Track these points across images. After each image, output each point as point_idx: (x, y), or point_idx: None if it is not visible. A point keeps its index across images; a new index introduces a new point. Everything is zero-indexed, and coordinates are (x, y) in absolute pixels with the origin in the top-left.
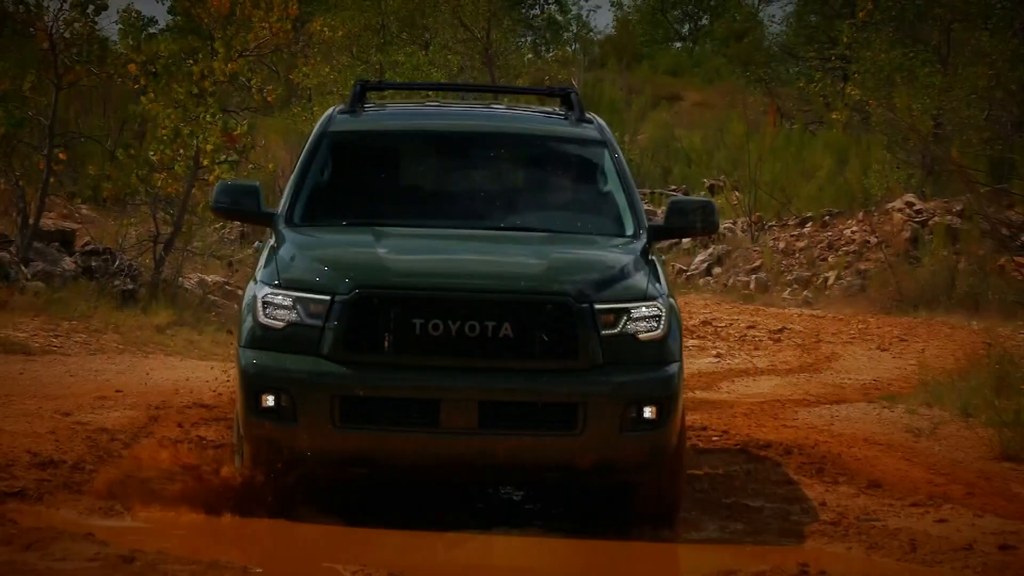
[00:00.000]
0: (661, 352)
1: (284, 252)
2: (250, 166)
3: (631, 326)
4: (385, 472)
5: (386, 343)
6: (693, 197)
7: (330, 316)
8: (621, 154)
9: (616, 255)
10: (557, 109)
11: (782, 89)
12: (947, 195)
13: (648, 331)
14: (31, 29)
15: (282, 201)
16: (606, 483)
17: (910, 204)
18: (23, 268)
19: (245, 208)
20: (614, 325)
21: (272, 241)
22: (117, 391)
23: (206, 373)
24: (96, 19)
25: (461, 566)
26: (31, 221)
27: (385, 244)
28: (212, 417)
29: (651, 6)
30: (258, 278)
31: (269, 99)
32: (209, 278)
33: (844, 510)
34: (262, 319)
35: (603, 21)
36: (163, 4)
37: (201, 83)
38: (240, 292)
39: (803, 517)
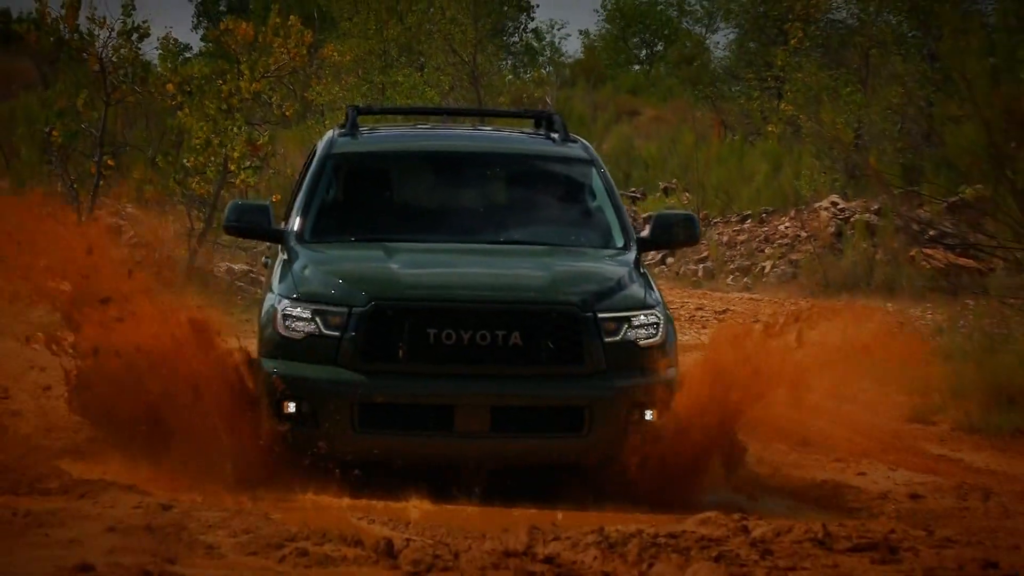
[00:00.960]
0: (660, 357)
1: (299, 267)
2: (271, 171)
3: (631, 333)
4: (401, 470)
5: (401, 352)
6: (677, 211)
7: (347, 327)
8: (607, 171)
9: (613, 267)
10: (541, 131)
11: (726, 105)
12: (866, 196)
13: (648, 338)
14: (84, 54)
15: (291, 218)
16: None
17: (835, 203)
18: None
19: (256, 226)
20: (616, 332)
21: (283, 256)
22: None
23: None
24: (139, 46)
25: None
26: (83, 219)
27: (396, 259)
28: None
29: (613, 34)
30: (275, 291)
31: (287, 114)
32: (236, 266)
33: (779, 465)
34: (281, 330)
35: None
36: (197, 32)
37: (229, 100)
38: (262, 279)
39: (743, 471)
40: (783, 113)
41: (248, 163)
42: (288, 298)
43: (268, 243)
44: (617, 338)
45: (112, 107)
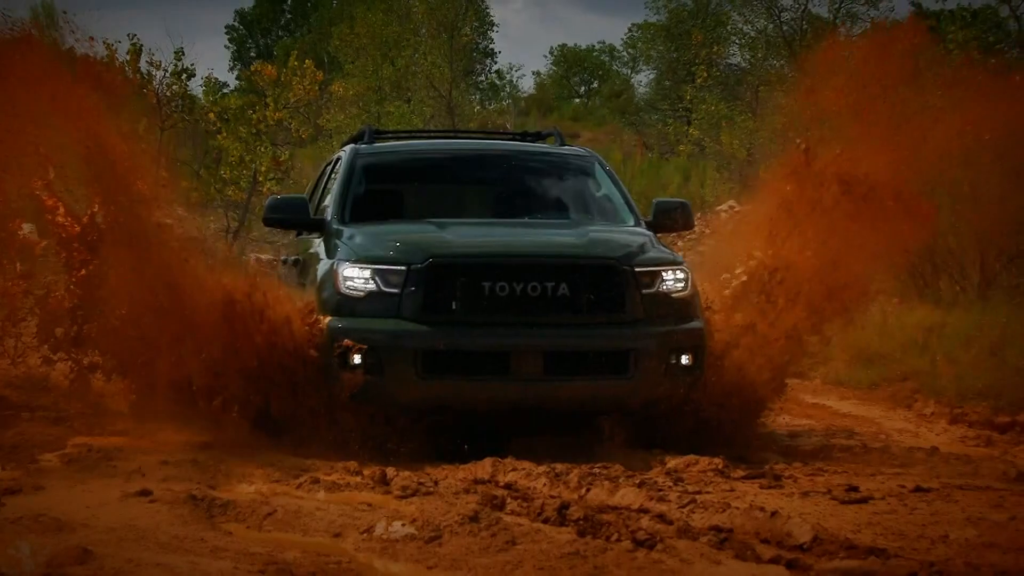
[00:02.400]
0: (689, 308)
1: (351, 238)
2: (291, 181)
3: (664, 286)
4: (460, 416)
5: (459, 304)
6: (673, 199)
7: (407, 283)
8: (610, 167)
9: (636, 236)
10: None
11: (646, 130)
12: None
13: (679, 291)
14: (144, 90)
15: (329, 210)
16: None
17: (732, 207)
18: None
19: (296, 218)
20: (651, 285)
21: (320, 242)
22: None
23: None
24: (187, 83)
25: None
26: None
27: (444, 229)
28: None
29: (559, 74)
30: (332, 257)
31: (303, 136)
32: (263, 256)
33: None
34: (343, 289)
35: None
36: (232, 72)
37: (258, 126)
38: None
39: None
40: (691, 136)
41: (272, 175)
42: (348, 261)
43: (302, 233)
44: (652, 290)
45: (166, 132)
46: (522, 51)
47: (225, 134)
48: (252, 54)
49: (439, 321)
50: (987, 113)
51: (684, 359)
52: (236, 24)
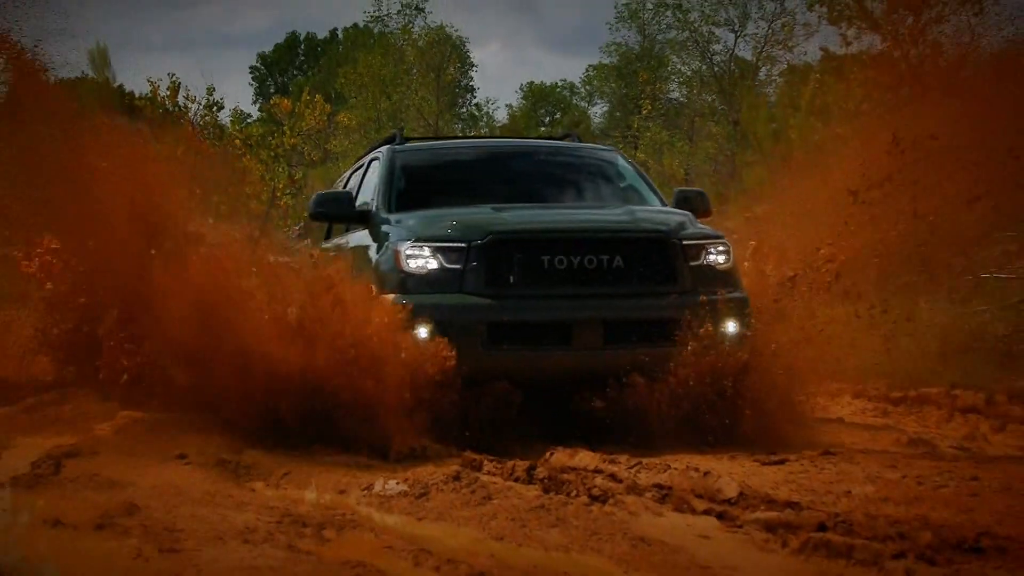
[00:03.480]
0: (733, 279)
1: (402, 223)
2: (303, 196)
3: (710, 258)
4: (523, 385)
5: (520, 278)
6: (692, 188)
7: (468, 259)
8: (632, 161)
9: (677, 214)
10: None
11: None
12: None
13: (722, 263)
14: (181, 120)
15: (373, 203)
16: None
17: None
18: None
19: (342, 210)
20: (698, 257)
21: (365, 231)
22: None
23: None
24: (217, 114)
25: None
26: (183, 227)
27: (496, 210)
28: None
29: (528, 107)
30: (390, 239)
31: (314, 159)
32: (283, 259)
33: None
34: (405, 268)
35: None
36: (255, 105)
37: (276, 150)
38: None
39: None
40: (638, 159)
41: (288, 191)
42: (408, 241)
43: (330, 233)
44: (699, 262)
45: (198, 155)
46: (497, 87)
47: (248, 157)
48: (271, 90)
49: (501, 295)
50: (884, 137)
51: (732, 326)
52: (258, 65)
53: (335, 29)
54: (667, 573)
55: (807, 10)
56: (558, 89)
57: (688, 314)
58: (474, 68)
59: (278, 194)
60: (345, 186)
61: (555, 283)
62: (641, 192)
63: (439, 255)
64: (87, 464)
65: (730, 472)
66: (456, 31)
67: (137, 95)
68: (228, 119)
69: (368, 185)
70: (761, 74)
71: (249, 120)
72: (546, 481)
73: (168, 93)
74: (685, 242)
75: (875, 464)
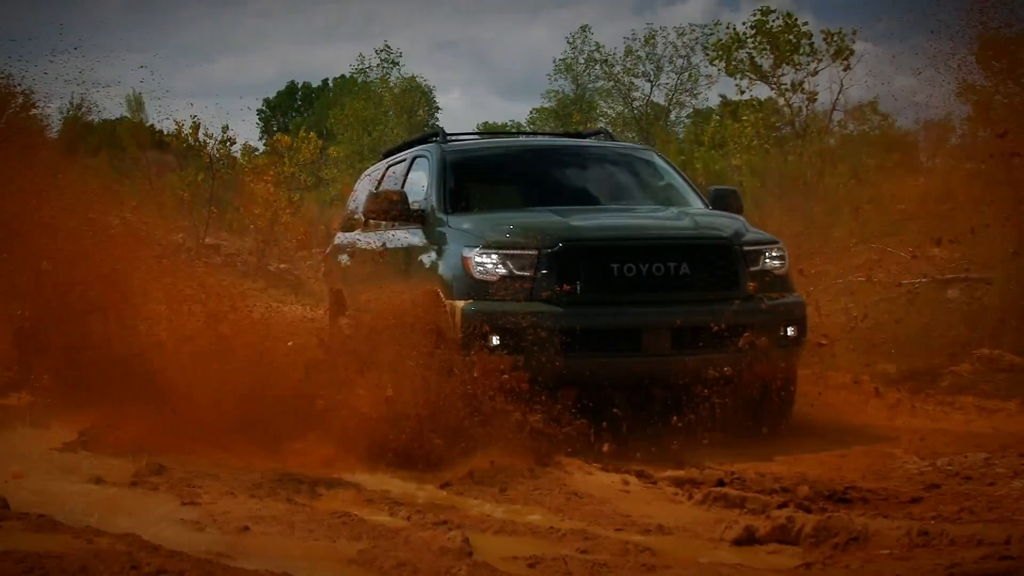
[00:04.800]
0: (788, 283)
1: (465, 227)
2: (300, 215)
3: (768, 263)
4: (592, 390)
5: (590, 285)
6: (726, 186)
7: (539, 267)
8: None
9: (732, 219)
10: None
11: None
12: None
13: (779, 268)
14: (200, 153)
15: (427, 202)
16: (759, 388)
17: None
18: (198, 260)
19: (396, 209)
20: (757, 262)
21: (420, 232)
22: None
23: (291, 310)
24: (230, 148)
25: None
26: (201, 239)
27: (561, 214)
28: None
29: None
30: (462, 245)
31: (308, 184)
32: (283, 265)
33: None
34: (475, 274)
35: None
36: (262, 140)
37: (277, 177)
38: (294, 273)
39: None
40: None
41: (287, 211)
42: (476, 248)
43: (400, 222)
44: (759, 267)
45: (215, 181)
46: (458, 126)
47: (255, 183)
48: (274, 128)
49: (572, 302)
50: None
51: (790, 331)
52: (264, 108)
53: (327, 79)
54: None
55: (709, 64)
56: (508, 128)
57: (752, 320)
58: (439, 111)
59: (280, 213)
60: (380, 182)
61: (624, 290)
62: (681, 191)
63: (509, 262)
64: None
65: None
66: (424, 81)
67: (166, 133)
68: (239, 152)
69: (414, 184)
70: (672, 116)
71: (256, 152)
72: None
73: (190, 131)
74: (746, 248)
75: None
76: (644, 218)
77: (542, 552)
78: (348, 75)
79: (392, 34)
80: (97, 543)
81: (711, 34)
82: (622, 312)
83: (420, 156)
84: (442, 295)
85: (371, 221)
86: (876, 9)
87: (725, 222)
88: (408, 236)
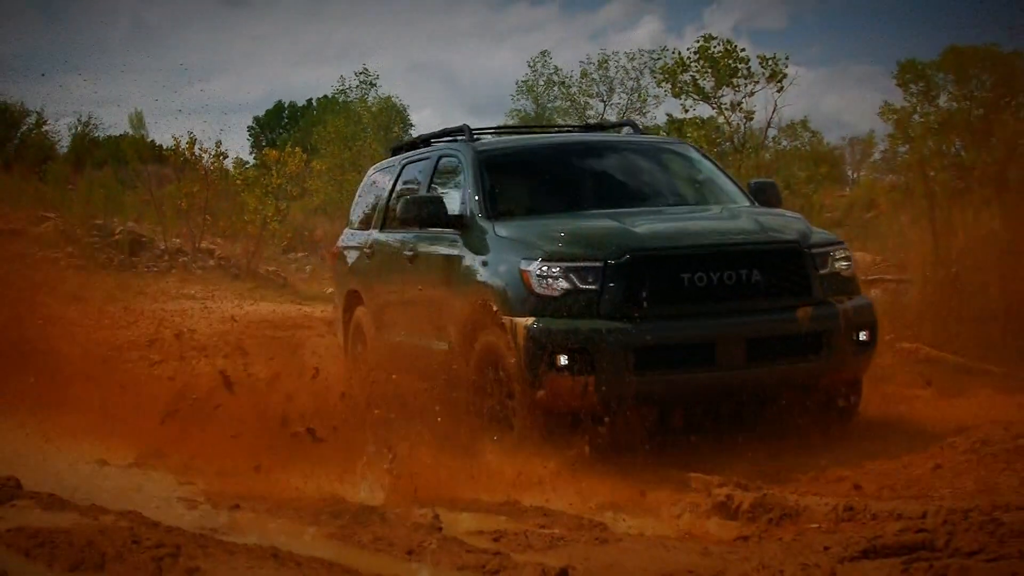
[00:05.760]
0: (855, 285)
1: (518, 234)
2: (287, 221)
3: (836, 265)
4: (668, 406)
5: (661, 297)
6: (765, 179)
7: (605, 279)
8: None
9: (792, 218)
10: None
11: None
12: None
13: (846, 269)
14: (196, 166)
15: (466, 207)
16: (833, 395)
17: None
18: (193, 264)
19: (434, 215)
20: (825, 265)
21: (460, 238)
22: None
23: (278, 307)
24: (223, 161)
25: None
26: (197, 245)
27: (619, 219)
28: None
29: None
30: (520, 256)
31: (294, 194)
32: (271, 268)
33: None
34: (537, 289)
35: None
36: (252, 154)
37: (266, 188)
38: (282, 275)
39: None
40: None
41: (275, 218)
42: (536, 260)
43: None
44: (827, 270)
45: (209, 192)
46: None
47: (246, 193)
48: (263, 143)
49: (642, 316)
50: None
51: (863, 335)
52: (254, 125)
53: (311, 99)
54: None
55: (657, 85)
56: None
57: (827, 326)
58: (413, 127)
59: (268, 221)
60: (396, 181)
61: (695, 301)
62: (725, 186)
63: (572, 275)
64: None
65: None
66: (399, 100)
67: (164, 148)
68: (231, 165)
69: (443, 185)
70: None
71: (247, 165)
72: None
73: (187, 146)
74: (815, 250)
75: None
76: (707, 221)
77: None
78: (330, 95)
79: (370, 58)
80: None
81: (658, 59)
82: (695, 325)
83: (448, 156)
84: (497, 311)
85: (391, 220)
86: (807, 37)
87: (787, 222)
88: (443, 241)
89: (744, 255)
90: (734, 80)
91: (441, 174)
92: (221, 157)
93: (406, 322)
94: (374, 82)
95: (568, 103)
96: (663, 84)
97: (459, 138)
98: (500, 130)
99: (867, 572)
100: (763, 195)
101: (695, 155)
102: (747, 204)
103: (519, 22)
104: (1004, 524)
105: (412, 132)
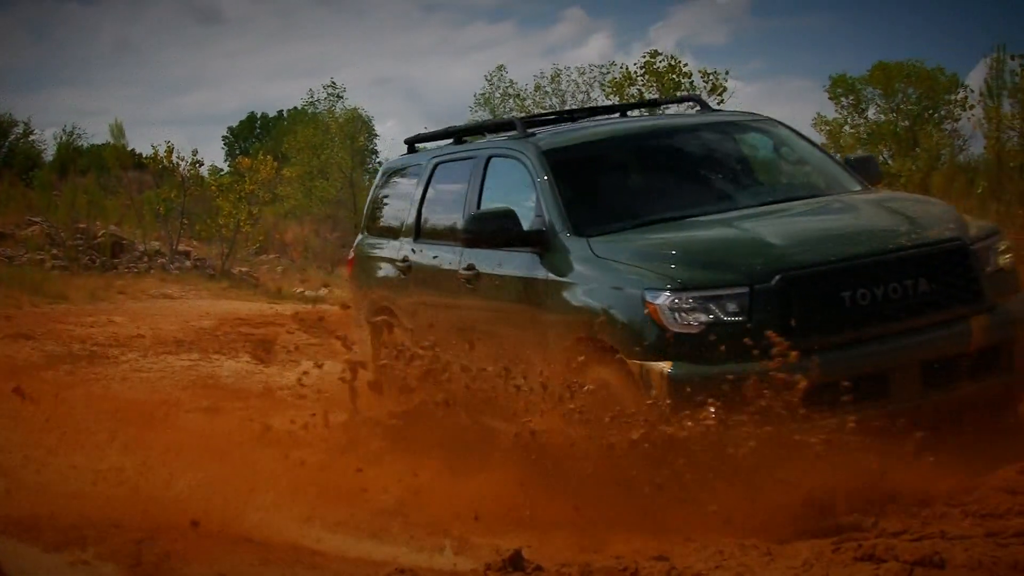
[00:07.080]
0: (1017, 279)
1: (636, 256)
2: (259, 225)
3: (997, 259)
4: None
5: (820, 323)
6: (862, 154)
7: (753, 307)
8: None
9: (932, 204)
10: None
11: None
12: None
13: (1007, 263)
14: (174, 173)
15: (538, 219)
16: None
17: None
18: (170, 265)
19: (506, 231)
20: (988, 261)
21: (527, 256)
22: (207, 312)
23: (250, 306)
24: (199, 169)
25: None
26: (174, 247)
27: (735, 225)
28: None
29: None
30: (641, 287)
31: (266, 199)
32: (244, 269)
33: None
34: (671, 326)
35: None
36: (227, 161)
37: (239, 193)
38: (254, 276)
39: None
40: None
41: (248, 222)
42: (664, 290)
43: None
44: (991, 267)
45: (186, 197)
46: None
47: (221, 198)
48: (237, 152)
49: (799, 348)
50: None
51: None
52: (228, 135)
53: (282, 110)
54: None
55: (606, 98)
56: None
57: (1008, 334)
58: (377, 137)
59: (242, 225)
60: (427, 184)
61: (863, 323)
62: (827, 168)
63: (712, 304)
64: None
65: None
66: (365, 111)
67: (144, 156)
68: (207, 172)
69: (498, 191)
70: None
71: (221, 172)
72: None
73: (165, 154)
74: (973, 247)
75: None
76: (848, 221)
77: None
78: (300, 107)
79: (338, 72)
80: None
81: (607, 73)
82: (861, 353)
83: (502, 156)
84: (620, 351)
85: (428, 231)
86: (746, 53)
87: (934, 210)
88: (515, 261)
89: (908, 262)
90: (677, 93)
91: (495, 179)
92: (197, 165)
93: (464, 354)
94: (341, 95)
95: (522, 114)
96: (611, 96)
97: (510, 134)
98: (548, 116)
99: None
100: (864, 173)
101: (784, 132)
102: (859, 189)
103: (477, 39)
104: None
105: (376, 141)
